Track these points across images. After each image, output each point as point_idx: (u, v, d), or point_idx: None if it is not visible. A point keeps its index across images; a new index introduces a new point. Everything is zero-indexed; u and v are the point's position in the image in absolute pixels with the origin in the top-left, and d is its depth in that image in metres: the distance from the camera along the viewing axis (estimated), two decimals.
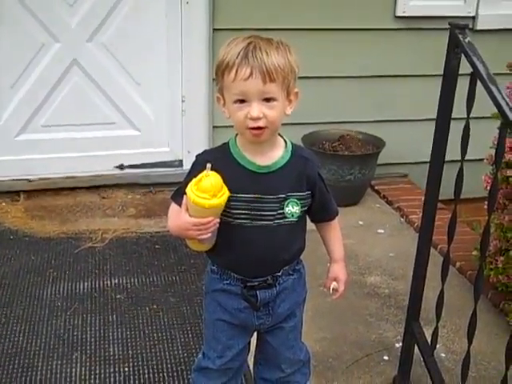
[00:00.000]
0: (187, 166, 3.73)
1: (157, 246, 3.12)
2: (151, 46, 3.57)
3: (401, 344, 2.43)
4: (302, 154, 1.67)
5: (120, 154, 3.69)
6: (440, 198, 3.80)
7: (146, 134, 3.72)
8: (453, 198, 3.89)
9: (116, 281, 2.81)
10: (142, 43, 3.55)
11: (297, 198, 1.64)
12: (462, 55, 1.81)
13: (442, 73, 3.71)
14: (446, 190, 3.93)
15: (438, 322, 1.97)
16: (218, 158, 1.62)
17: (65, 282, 2.79)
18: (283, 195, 1.62)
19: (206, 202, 1.50)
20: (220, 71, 1.54)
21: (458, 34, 1.78)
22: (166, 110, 3.69)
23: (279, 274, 1.70)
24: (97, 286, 2.77)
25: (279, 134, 1.66)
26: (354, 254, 3.14)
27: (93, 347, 2.36)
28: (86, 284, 2.78)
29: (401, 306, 2.71)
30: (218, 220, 1.58)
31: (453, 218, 1.95)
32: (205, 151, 1.72)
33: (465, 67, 1.85)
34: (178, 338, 2.43)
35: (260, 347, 1.85)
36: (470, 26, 3.82)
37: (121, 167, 3.71)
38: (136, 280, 2.83)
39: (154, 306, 2.63)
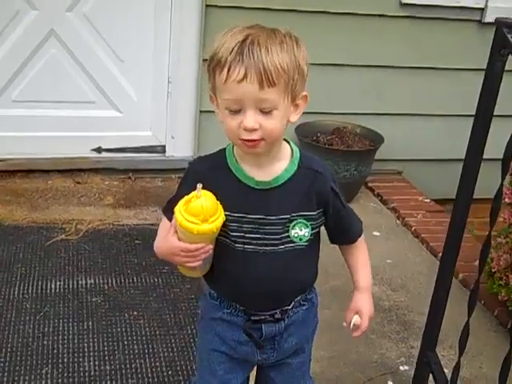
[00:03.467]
0: (170, 152, 3.48)
1: (137, 242, 2.86)
2: (137, 21, 3.27)
3: (405, 367, 2.25)
4: (310, 166, 1.40)
5: (98, 136, 3.40)
6: (435, 197, 3.67)
7: (128, 116, 3.43)
8: (449, 198, 3.74)
9: (92, 281, 2.55)
10: (127, 17, 3.26)
11: (305, 219, 1.39)
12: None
13: (450, 66, 3.64)
14: (443, 188, 3.80)
15: (460, 356, 1.75)
16: (213, 167, 1.39)
17: (34, 279, 2.52)
18: (287, 216, 1.37)
19: (194, 227, 1.28)
20: (211, 67, 1.28)
21: (506, 32, 1.55)
22: (150, 91, 3.41)
23: (289, 307, 1.47)
24: (70, 285, 2.50)
25: (286, 140, 1.41)
26: None
27: (65, 360, 2.10)
28: (58, 283, 2.51)
29: (402, 321, 2.51)
30: (212, 247, 1.35)
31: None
32: (198, 159, 1.47)
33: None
34: (162, 353, 2.18)
35: (261, 383, 1.61)
36: (478, 18, 3.60)
37: (98, 150, 3.42)
38: (114, 281, 2.56)
39: (135, 313, 2.38)
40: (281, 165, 1.38)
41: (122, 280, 2.57)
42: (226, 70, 1.24)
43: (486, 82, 1.63)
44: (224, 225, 1.34)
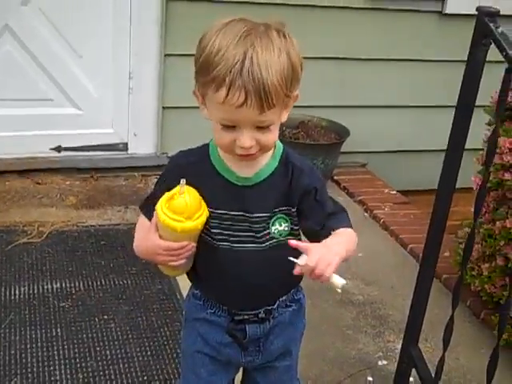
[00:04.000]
0: (133, 149, 3.39)
1: (102, 242, 2.77)
2: (96, 14, 3.16)
3: (384, 362, 2.23)
4: (291, 162, 1.34)
5: (57, 134, 3.28)
6: (399, 188, 3.67)
7: (88, 113, 3.31)
8: (412, 189, 3.75)
9: (58, 285, 2.45)
10: (85, 10, 3.15)
11: (285, 214, 1.34)
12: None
13: (412, 57, 3.64)
14: (405, 180, 3.81)
15: (444, 351, 1.73)
16: (194, 163, 1.33)
17: None
18: (268, 213, 1.32)
19: (178, 225, 1.23)
20: (202, 71, 1.20)
21: (488, 21, 1.52)
22: (110, 87, 3.30)
23: (274, 306, 1.41)
24: (35, 291, 2.40)
25: None
26: None
27: (35, 370, 2.01)
28: (22, 289, 2.40)
29: (377, 315, 2.49)
30: (195, 244, 1.30)
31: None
32: (181, 152, 1.39)
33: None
34: (135, 357, 2.11)
35: None
36: (439, 10, 3.61)
37: (58, 149, 3.30)
38: (81, 284, 2.47)
39: (105, 317, 2.30)
40: (262, 160, 1.32)
41: (90, 283, 2.48)
42: (224, 91, 1.16)
43: (468, 72, 1.60)
44: (206, 221, 1.29)
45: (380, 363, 2.21)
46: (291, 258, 1.20)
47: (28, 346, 2.11)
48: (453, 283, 1.75)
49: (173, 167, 1.36)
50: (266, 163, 1.33)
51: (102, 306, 2.35)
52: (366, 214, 3.31)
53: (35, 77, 3.18)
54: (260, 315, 1.40)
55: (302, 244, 1.22)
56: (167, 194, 1.26)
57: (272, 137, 1.25)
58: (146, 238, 1.30)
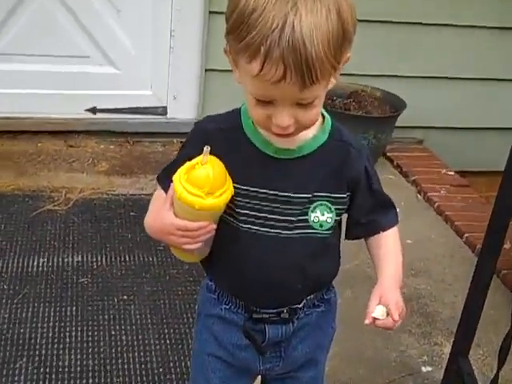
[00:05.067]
0: (172, 114, 3.20)
1: (132, 214, 2.59)
2: None
3: (428, 368, 1.99)
4: (342, 139, 1.15)
5: (93, 94, 3.10)
6: (458, 168, 3.37)
7: (125, 73, 3.12)
8: (472, 170, 3.45)
9: (79, 258, 2.29)
10: None
11: (330, 202, 1.13)
12: None
13: (479, 24, 3.29)
14: (467, 160, 3.50)
15: (499, 370, 1.49)
16: (225, 129, 1.14)
17: (15, 255, 2.27)
18: (308, 195, 1.12)
19: (196, 201, 1.03)
20: (234, 33, 0.99)
21: None
22: (150, 45, 3.09)
23: (299, 305, 1.21)
24: (55, 263, 2.25)
25: None
26: None
27: (43, 353, 1.86)
28: (41, 260, 2.25)
29: (424, 312, 2.25)
30: (215, 226, 1.09)
31: None
32: (208, 117, 1.20)
33: None
34: (153, 345, 1.94)
35: None
36: None
37: (93, 111, 3.12)
38: (104, 258, 2.31)
39: (124, 297, 2.13)
40: (308, 132, 1.11)
41: (113, 258, 2.32)
42: (258, 63, 0.96)
43: None
44: (230, 200, 1.09)
45: (424, 369, 1.98)
46: (374, 315, 1.11)
47: (39, 325, 1.96)
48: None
49: (198, 132, 1.17)
50: (314, 136, 1.12)
51: (124, 285, 2.18)
52: (419, 195, 3.03)
53: (71, 31, 2.98)
54: (282, 315, 1.20)
55: (375, 302, 1.13)
56: (188, 163, 1.06)
57: (315, 112, 1.04)
58: (159, 215, 1.11)
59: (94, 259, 2.29)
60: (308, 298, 1.22)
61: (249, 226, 1.13)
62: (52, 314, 2.01)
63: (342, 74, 3.52)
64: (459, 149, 3.51)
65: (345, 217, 1.20)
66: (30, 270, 2.20)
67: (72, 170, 2.86)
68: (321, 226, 1.14)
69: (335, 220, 1.15)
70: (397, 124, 3.19)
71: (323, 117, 1.14)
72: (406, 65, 3.32)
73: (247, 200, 1.12)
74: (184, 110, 3.17)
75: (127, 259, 2.31)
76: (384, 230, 1.22)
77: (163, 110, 3.19)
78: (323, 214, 1.14)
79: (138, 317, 2.04)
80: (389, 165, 3.30)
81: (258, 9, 0.95)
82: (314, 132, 1.12)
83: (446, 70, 3.37)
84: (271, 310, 1.19)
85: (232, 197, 1.08)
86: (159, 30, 3.05)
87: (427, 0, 3.20)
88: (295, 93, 0.98)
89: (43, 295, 2.09)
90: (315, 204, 1.13)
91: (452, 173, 3.24)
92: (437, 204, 2.93)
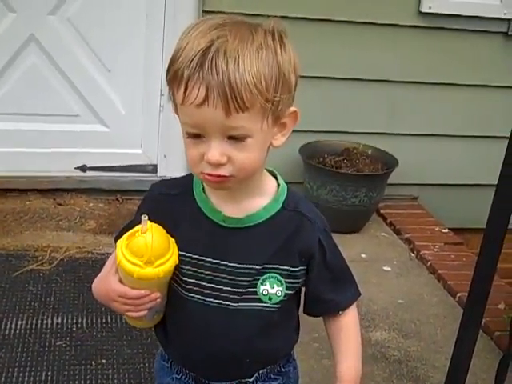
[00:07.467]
0: (162, 172, 3.18)
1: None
2: (127, 27, 2.99)
3: None
4: (297, 209, 1.10)
5: (83, 152, 3.10)
6: (453, 225, 3.33)
7: (115, 132, 3.12)
8: (468, 227, 3.39)
9: (59, 320, 2.23)
10: (115, 22, 2.97)
11: (280, 274, 1.09)
12: None
13: (469, 83, 3.30)
14: (461, 216, 3.46)
15: None
16: (174, 195, 1.11)
17: None
18: (257, 266, 1.08)
19: (134, 270, 1.00)
20: (168, 77, 1.00)
21: None
22: (140, 104, 3.10)
23: (250, 380, 1.15)
24: (33, 325, 2.19)
25: (272, 173, 1.12)
26: None
27: None
28: (19, 322, 2.20)
29: (414, 376, 2.16)
30: (159, 295, 1.05)
31: None
32: (160, 181, 1.18)
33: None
34: None
35: None
36: (504, 30, 3.27)
37: (83, 169, 3.12)
38: (84, 320, 2.24)
39: (103, 361, 2.06)
40: (260, 201, 1.09)
41: (94, 320, 2.25)
42: (182, 88, 0.96)
43: None
44: (176, 267, 1.05)
45: None
46: None
47: None
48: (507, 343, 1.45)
49: (149, 198, 1.15)
50: (265, 206, 1.08)
51: (103, 348, 2.12)
52: (412, 254, 2.98)
53: (61, 91, 3.01)
54: None
55: None
56: (130, 231, 1.04)
57: (250, 157, 0.99)
58: (106, 278, 1.07)
59: (75, 321, 2.23)
60: (260, 371, 1.16)
61: (193, 294, 1.10)
62: (26, 379, 1.94)
63: (333, 132, 3.51)
64: (454, 206, 3.47)
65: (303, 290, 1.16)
66: (6, 332, 2.14)
67: (59, 228, 2.83)
68: (270, 299, 1.10)
69: (286, 294, 1.10)
70: (390, 181, 3.17)
71: (278, 185, 1.11)
72: (397, 123, 3.33)
73: (194, 268, 1.09)
74: (175, 168, 3.14)
75: (109, 321, 2.25)
76: (343, 310, 1.17)
77: (153, 169, 3.18)
78: (273, 287, 1.09)
79: (115, 381, 1.97)
80: (382, 222, 3.27)
81: (188, 42, 0.96)
82: (265, 201, 1.09)
83: (438, 127, 3.37)
84: (221, 383, 1.14)
85: (177, 265, 1.05)
86: (149, 89, 3.07)
87: (418, 60, 3.23)
88: (221, 119, 0.95)
89: (18, 359, 2.02)
90: (264, 276, 1.09)
91: (446, 230, 3.19)
92: (430, 262, 2.87)
